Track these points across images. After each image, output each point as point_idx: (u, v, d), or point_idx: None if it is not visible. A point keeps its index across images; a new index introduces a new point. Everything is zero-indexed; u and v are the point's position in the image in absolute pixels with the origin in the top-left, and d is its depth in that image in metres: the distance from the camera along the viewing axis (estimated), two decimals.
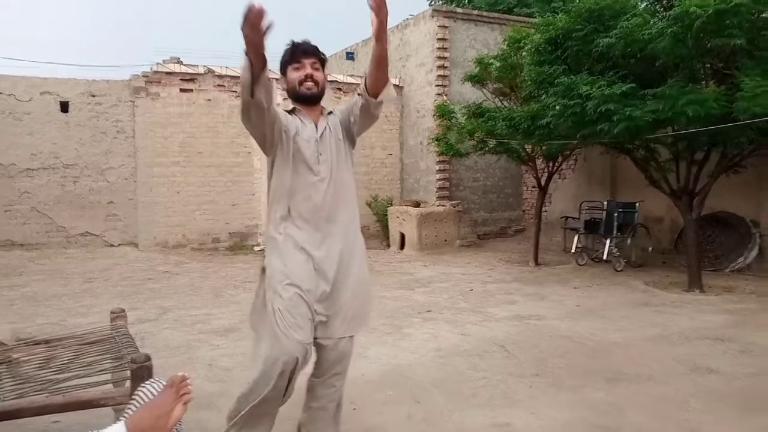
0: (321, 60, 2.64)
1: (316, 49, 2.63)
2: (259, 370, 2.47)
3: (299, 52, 2.59)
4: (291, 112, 2.63)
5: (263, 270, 2.61)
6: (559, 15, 7.64)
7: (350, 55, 14.59)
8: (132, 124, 11.03)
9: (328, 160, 2.59)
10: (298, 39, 2.66)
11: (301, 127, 2.58)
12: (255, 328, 2.65)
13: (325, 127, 2.63)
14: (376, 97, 2.57)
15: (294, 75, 2.59)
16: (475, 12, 13.47)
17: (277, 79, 2.72)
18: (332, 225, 2.58)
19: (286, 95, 2.72)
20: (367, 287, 2.74)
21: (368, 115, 2.64)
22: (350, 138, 2.73)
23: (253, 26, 2.06)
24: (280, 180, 2.57)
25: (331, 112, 2.72)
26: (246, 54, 2.18)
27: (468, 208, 12.58)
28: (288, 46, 2.65)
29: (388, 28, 2.36)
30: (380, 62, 2.47)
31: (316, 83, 2.59)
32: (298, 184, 2.54)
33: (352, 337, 2.67)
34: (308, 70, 2.57)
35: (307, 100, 2.62)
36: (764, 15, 6.52)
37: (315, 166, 2.55)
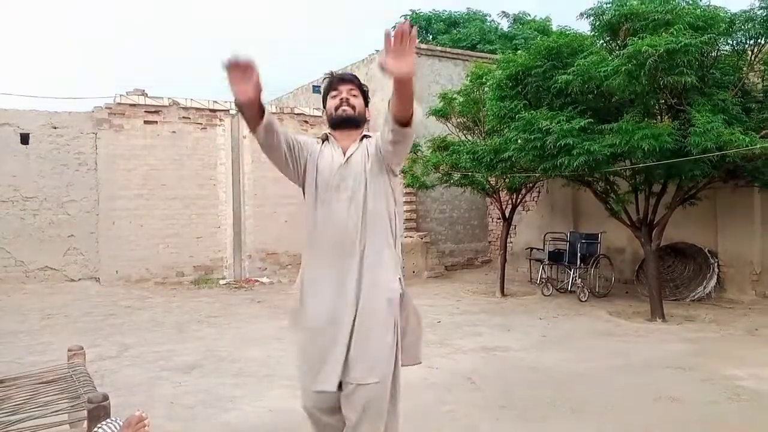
0: (360, 89, 2.58)
1: (353, 77, 2.61)
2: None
3: (336, 80, 2.56)
4: (325, 139, 2.56)
5: None
6: (520, 52, 7.89)
7: (317, 89, 14.70)
8: (94, 157, 10.87)
9: (352, 186, 2.42)
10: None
11: (327, 152, 2.50)
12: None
13: (355, 152, 2.48)
14: (404, 124, 2.29)
15: (331, 103, 2.54)
16: (439, 48, 13.80)
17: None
18: (351, 260, 2.39)
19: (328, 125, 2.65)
20: (386, 342, 2.56)
21: (391, 144, 2.40)
22: (387, 166, 2.50)
23: (240, 80, 2.08)
24: (305, 212, 2.51)
25: (367, 136, 2.58)
26: (236, 106, 2.23)
27: (435, 239, 12.66)
28: (326, 77, 2.65)
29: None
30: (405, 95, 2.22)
31: (353, 107, 2.52)
32: (320, 214, 2.43)
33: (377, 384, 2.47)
34: (343, 95, 2.51)
35: (341, 123, 2.52)
36: (713, 54, 6.87)
37: (335, 193, 2.42)
